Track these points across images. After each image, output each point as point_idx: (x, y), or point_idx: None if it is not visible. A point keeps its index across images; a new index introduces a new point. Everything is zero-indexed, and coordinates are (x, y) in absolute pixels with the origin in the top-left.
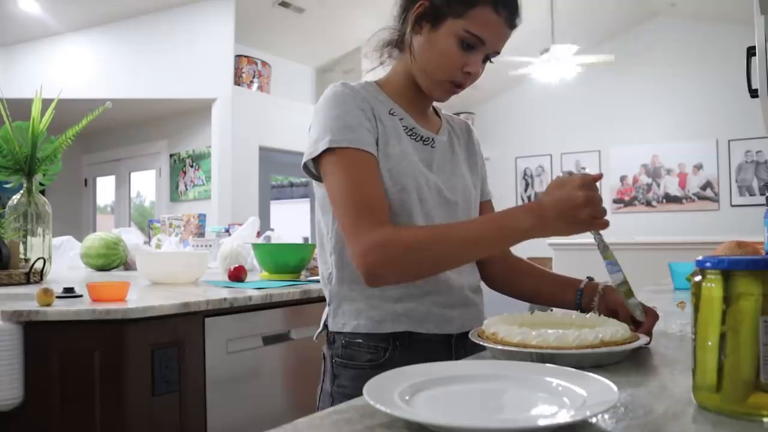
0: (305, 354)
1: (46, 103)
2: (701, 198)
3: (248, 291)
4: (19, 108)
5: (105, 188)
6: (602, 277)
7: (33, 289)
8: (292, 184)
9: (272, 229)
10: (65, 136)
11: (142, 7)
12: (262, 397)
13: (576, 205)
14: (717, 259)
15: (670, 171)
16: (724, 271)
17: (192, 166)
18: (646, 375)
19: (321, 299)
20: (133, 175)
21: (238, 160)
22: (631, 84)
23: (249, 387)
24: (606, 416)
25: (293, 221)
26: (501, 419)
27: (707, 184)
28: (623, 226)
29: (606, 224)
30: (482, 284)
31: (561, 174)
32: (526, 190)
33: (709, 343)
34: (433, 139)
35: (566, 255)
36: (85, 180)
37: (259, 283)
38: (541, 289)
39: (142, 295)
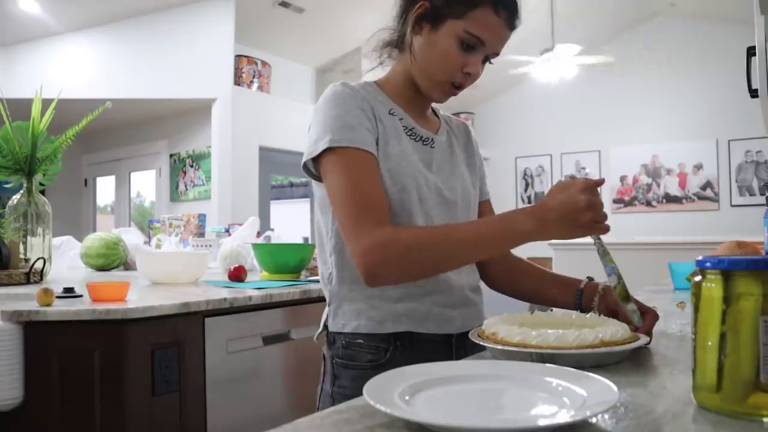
0: (305, 354)
1: (46, 103)
2: (701, 198)
3: (248, 291)
4: (19, 108)
5: (105, 188)
6: (602, 277)
7: (33, 289)
8: (292, 184)
9: (272, 229)
10: (65, 136)
11: (142, 7)
12: (262, 397)
13: (578, 209)
14: (717, 259)
15: (670, 171)
16: (724, 271)
17: (192, 166)
18: (646, 375)
19: (321, 299)
20: (133, 175)
21: (238, 160)
22: (631, 84)
23: (249, 387)
24: (606, 416)
25: (293, 221)
26: (501, 419)
27: (707, 184)
28: (623, 226)
29: (607, 229)
30: (482, 284)
31: (563, 178)
32: (526, 190)
33: (709, 343)
34: (432, 140)
35: (566, 255)
36: (85, 180)
37: (259, 283)
38: (541, 289)
39: (142, 295)
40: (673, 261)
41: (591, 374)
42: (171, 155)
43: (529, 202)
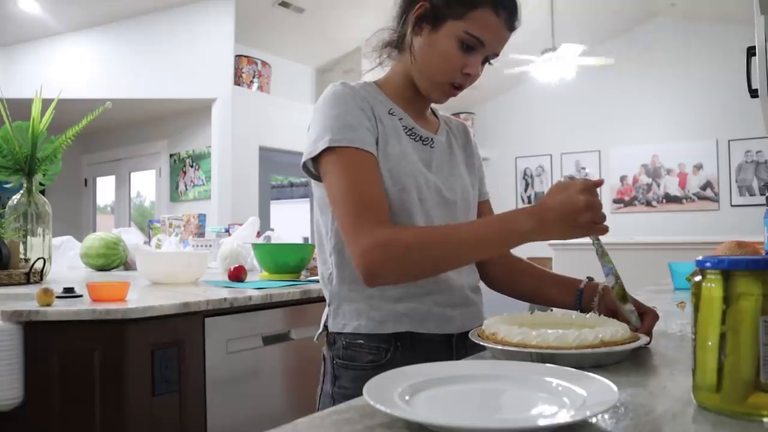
0: (305, 354)
1: (46, 103)
2: (701, 198)
3: (248, 291)
4: (19, 108)
5: (105, 188)
6: (602, 277)
7: (33, 289)
8: (292, 184)
9: (272, 229)
10: (65, 136)
11: (142, 7)
12: (262, 397)
13: (577, 210)
14: (717, 259)
15: (670, 171)
16: (724, 271)
17: (192, 166)
18: (646, 375)
19: (321, 299)
20: (133, 175)
21: (238, 160)
22: (631, 84)
23: (249, 387)
24: (606, 416)
25: (293, 221)
26: (501, 419)
27: (707, 184)
28: (623, 226)
29: (605, 230)
30: (482, 284)
31: (562, 178)
32: (526, 190)
33: (709, 343)
34: (432, 140)
35: (566, 255)
36: (85, 180)
37: (259, 283)
38: (541, 289)
39: (142, 295)
40: (673, 261)
41: (591, 374)
42: (171, 155)
43: (529, 202)
